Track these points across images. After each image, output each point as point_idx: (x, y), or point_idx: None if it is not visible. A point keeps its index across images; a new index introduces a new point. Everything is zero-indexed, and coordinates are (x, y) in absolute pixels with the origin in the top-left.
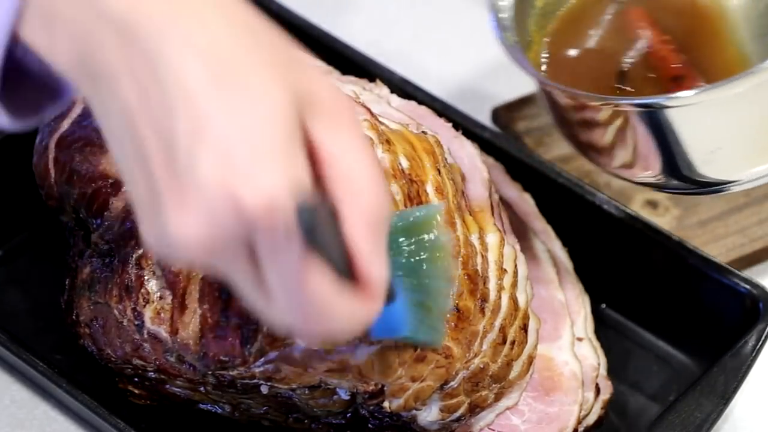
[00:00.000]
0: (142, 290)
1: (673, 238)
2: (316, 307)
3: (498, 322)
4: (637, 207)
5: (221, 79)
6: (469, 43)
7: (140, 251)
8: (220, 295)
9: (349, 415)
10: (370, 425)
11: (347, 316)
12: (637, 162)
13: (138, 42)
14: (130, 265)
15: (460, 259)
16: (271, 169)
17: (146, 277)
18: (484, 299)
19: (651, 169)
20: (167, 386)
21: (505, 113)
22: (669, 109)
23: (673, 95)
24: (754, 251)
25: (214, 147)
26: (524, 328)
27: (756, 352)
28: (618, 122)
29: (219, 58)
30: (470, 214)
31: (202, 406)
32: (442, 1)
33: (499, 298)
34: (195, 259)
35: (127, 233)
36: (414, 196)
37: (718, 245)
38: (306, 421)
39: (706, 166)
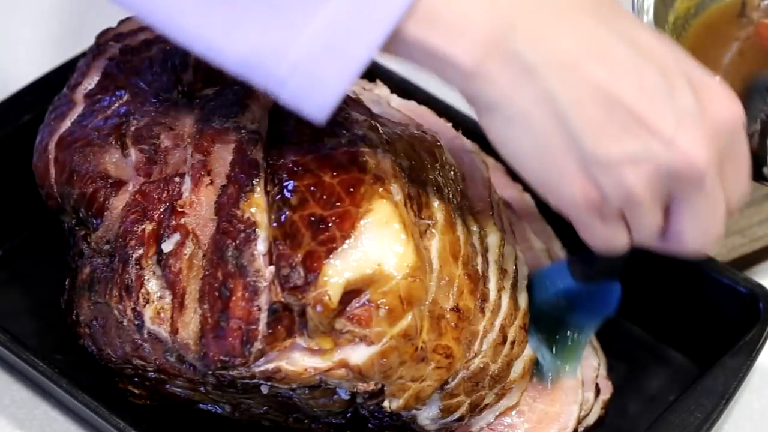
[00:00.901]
0: (142, 290)
1: None
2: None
3: (498, 322)
4: None
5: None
6: None
7: (140, 251)
8: (220, 295)
9: (349, 415)
10: (370, 425)
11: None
12: None
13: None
14: (130, 265)
15: (461, 259)
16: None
17: (146, 277)
18: (485, 299)
19: None
20: (167, 386)
21: None
22: None
23: None
24: (754, 251)
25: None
26: (524, 328)
27: (756, 352)
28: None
29: None
30: (470, 214)
31: (202, 406)
32: None
33: (500, 298)
34: (702, 170)
35: (128, 233)
36: (414, 196)
37: (718, 245)
38: (306, 421)
39: None
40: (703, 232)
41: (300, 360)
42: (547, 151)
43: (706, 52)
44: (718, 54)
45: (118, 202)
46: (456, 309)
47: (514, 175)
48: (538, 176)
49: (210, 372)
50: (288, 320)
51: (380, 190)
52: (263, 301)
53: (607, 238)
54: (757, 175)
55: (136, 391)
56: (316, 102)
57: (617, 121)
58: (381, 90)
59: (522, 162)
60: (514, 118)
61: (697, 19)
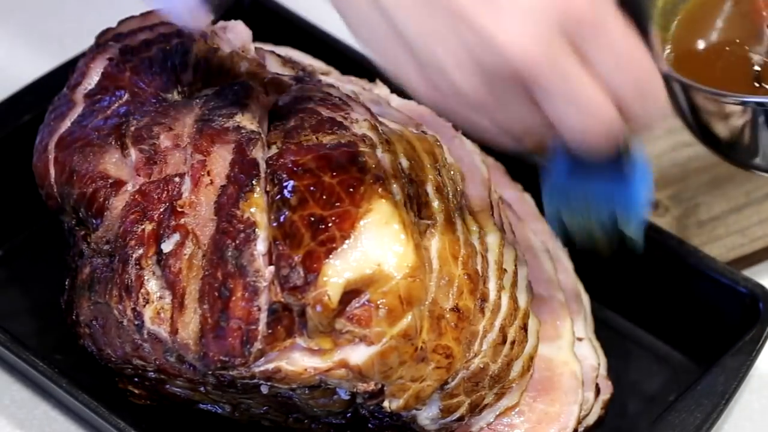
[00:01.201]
0: (142, 290)
1: (673, 238)
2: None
3: (498, 322)
4: None
5: None
6: None
7: (140, 251)
8: (219, 295)
9: (349, 415)
10: (370, 425)
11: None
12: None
13: None
14: (130, 265)
15: (460, 258)
16: None
17: (146, 277)
18: (484, 299)
19: None
20: (167, 386)
21: None
22: None
23: None
24: (754, 251)
25: None
26: (524, 328)
27: (756, 352)
28: (749, 118)
29: None
30: (470, 214)
31: (202, 406)
32: None
33: (500, 298)
34: (523, 59)
35: (127, 233)
36: (414, 196)
37: (718, 245)
38: (306, 421)
39: None
40: (576, 117)
41: (300, 360)
42: (387, 52)
43: (703, 24)
44: (707, 23)
45: (118, 202)
46: (456, 309)
47: (514, 175)
48: (390, 72)
49: (210, 372)
50: (288, 320)
51: (380, 190)
52: (263, 301)
53: (491, 128)
54: (746, 162)
55: (136, 391)
56: None
57: (439, 21)
58: (381, 90)
59: (373, 55)
60: (357, 20)
61: None
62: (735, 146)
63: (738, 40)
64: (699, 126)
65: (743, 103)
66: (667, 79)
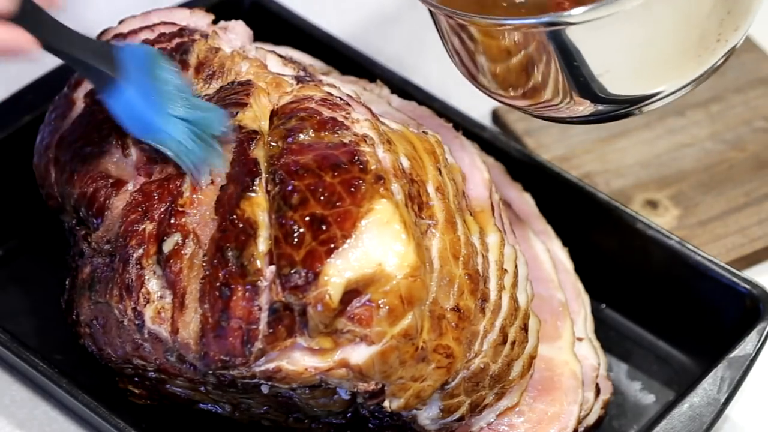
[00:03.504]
0: (143, 290)
1: (673, 238)
2: None
3: (498, 322)
4: (637, 207)
5: None
6: None
7: (141, 251)
8: (220, 295)
9: (349, 414)
10: (370, 425)
11: None
12: (543, 87)
13: None
14: (131, 265)
15: (461, 258)
16: None
17: (147, 277)
18: (485, 299)
19: (554, 94)
20: (167, 386)
21: (505, 113)
22: (563, 29)
23: (563, 14)
24: (754, 251)
25: None
26: (524, 328)
27: (756, 352)
28: (516, 45)
29: None
30: (471, 214)
31: (202, 406)
32: None
33: (500, 298)
34: None
35: (128, 233)
36: (415, 196)
37: (718, 245)
38: (306, 420)
39: (601, 86)
40: None
41: (300, 360)
42: None
43: None
44: None
45: (119, 202)
46: (456, 309)
47: (514, 175)
48: None
49: (210, 372)
50: (289, 320)
51: (381, 189)
52: (264, 300)
53: None
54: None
55: (136, 391)
56: None
57: None
58: (381, 90)
59: None
60: None
61: None
62: (502, 79)
63: None
64: (467, 66)
65: (498, 25)
66: (433, 15)
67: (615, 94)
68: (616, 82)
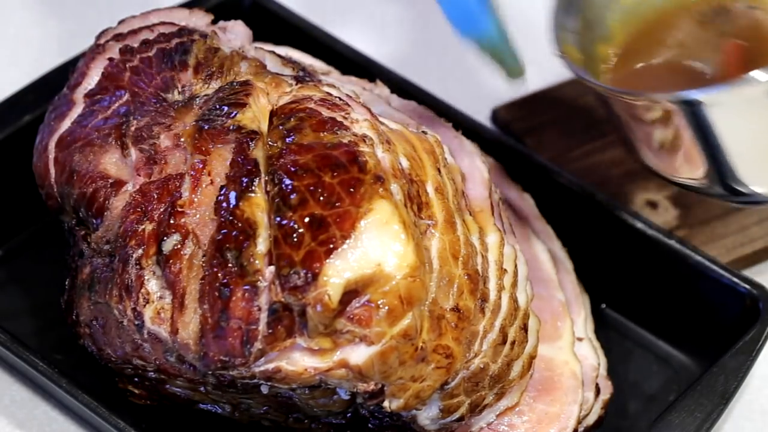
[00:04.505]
0: (143, 290)
1: (673, 238)
2: None
3: (498, 322)
4: (637, 207)
5: None
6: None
7: (140, 251)
8: (220, 295)
9: (349, 415)
10: (370, 425)
11: None
12: (684, 163)
13: None
14: (130, 265)
15: (461, 259)
16: None
17: (146, 277)
18: (485, 299)
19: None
20: (167, 386)
21: (505, 113)
22: (706, 107)
23: (705, 90)
24: (754, 251)
25: None
26: (524, 328)
27: (756, 352)
28: (663, 120)
29: None
30: (470, 214)
31: (202, 406)
32: None
33: (500, 298)
34: None
35: (128, 233)
36: (414, 196)
37: (718, 245)
38: (306, 421)
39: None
40: None
41: (300, 360)
42: None
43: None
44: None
45: (118, 202)
46: (456, 309)
47: (514, 175)
48: None
49: (210, 372)
50: (288, 320)
51: (380, 190)
52: (263, 301)
53: None
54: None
55: (136, 391)
56: None
57: None
58: (381, 90)
59: None
60: None
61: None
62: (654, 153)
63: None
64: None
65: (654, 101)
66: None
67: None
68: None
